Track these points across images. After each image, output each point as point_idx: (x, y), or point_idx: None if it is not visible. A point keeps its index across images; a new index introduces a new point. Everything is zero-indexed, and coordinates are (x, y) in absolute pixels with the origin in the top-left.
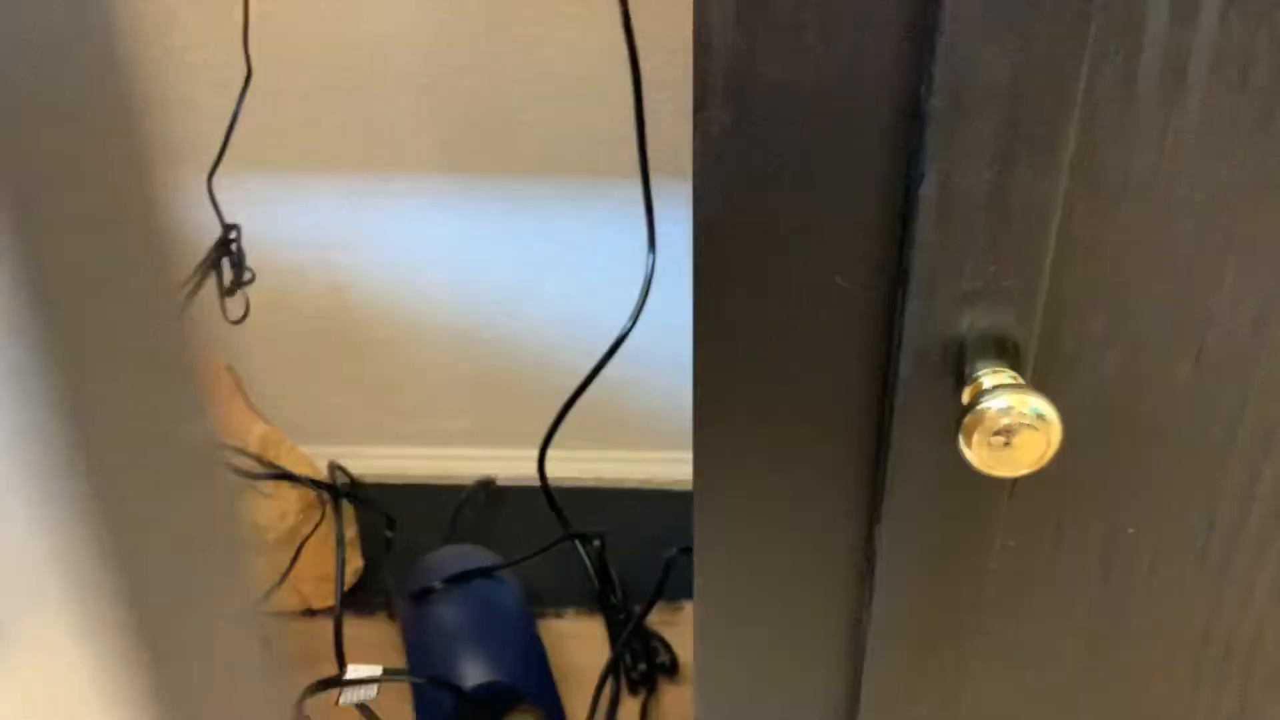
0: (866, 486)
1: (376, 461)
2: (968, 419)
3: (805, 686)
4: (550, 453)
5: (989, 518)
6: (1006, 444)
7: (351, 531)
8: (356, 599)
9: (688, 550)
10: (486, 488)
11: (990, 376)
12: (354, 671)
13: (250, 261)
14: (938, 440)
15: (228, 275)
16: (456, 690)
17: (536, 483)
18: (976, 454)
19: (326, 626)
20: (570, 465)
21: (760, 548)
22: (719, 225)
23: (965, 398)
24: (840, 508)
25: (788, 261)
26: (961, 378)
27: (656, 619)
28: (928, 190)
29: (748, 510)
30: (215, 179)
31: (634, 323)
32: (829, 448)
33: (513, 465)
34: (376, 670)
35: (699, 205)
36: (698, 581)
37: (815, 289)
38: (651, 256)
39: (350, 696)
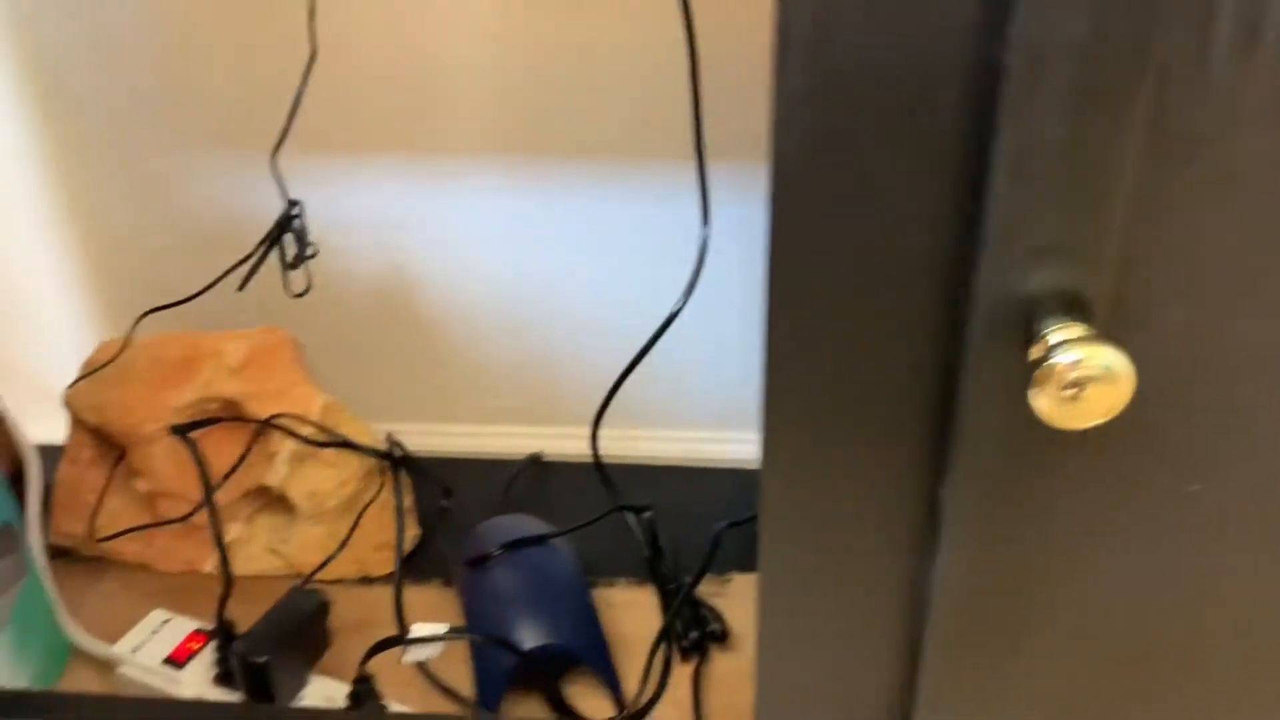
0: (931, 446)
1: (425, 438)
2: (1038, 372)
3: (865, 651)
4: (604, 432)
5: (1057, 475)
6: (1077, 397)
7: (408, 501)
8: (412, 566)
9: (736, 524)
10: (536, 462)
11: (1060, 331)
12: (418, 630)
13: (312, 238)
14: (1007, 396)
15: (291, 250)
16: (517, 651)
17: (584, 459)
18: (1047, 407)
19: (383, 594)
20: (618, 443)
21: (824, 509)
22: (795, 184)
23: (1035, 353)
24: (904, 468)
25: (861, 220)
26: (1031, 334)
27: (705, 590)
28: (1003, 146)
29: (813, 471)
30: (279, 157)
31: (685, 300)
32: (893, 407)
33: (560, 443)
34: (441, 628)
35: (776, 164)
36: (764, 542)
37: (888, 248)
38: (705, 230)
39: (414, 654)
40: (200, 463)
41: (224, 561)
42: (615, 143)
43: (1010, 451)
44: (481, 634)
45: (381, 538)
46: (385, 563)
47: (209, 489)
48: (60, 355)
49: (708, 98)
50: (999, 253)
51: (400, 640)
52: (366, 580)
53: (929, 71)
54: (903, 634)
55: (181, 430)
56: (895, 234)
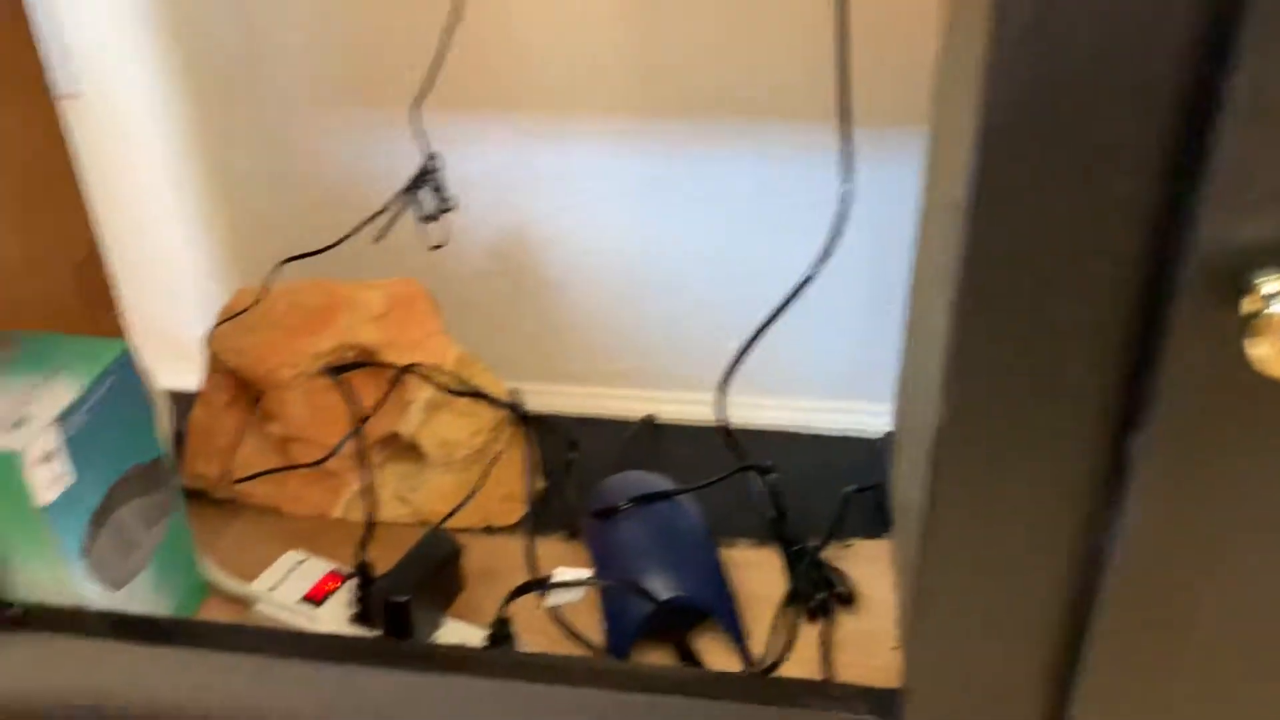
0: (1118, 398)
1: (540, 398)
2: (1258, 321)
3: (1028, 614)
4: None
5: (1262, 429)
6: None
7: (534, 453)
8: (537, 517)
9: (862, 489)
10: (649, 424)
11: (1276, 281)
12: (561, 574)
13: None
14: (1214, 346)
15: (429, 203)
16: (653, 600)
17: (697, 422)
18: (1267, 356)
19: (507, 544)
20: (735, 411)
21: (1002, 464)
22: (1008, 132)
23: (1249, 304)
24: (1089, 421)
25: (1070, 165)
26: (1243, 284)
27: (828, 553)
28: (1238, 85)
29: (994, 421)
30: (422, 110)
31: (821, 264)
32: (1084, 357)
33: (673, 408)
34: (584, 574)
35: (988, 106)
36: (936, 495)
37: (1095, 193)
38: (847, 186)
39: (555, 598)
40: (351, 398)
41: (368, 505)
42: (749, 103)
43: (1214, 404)
44: (613, 585)
45: (506, 489)
46: (509, 513)
47: (358, 425)
48: (188, 307)
49: (855, 60)
50: (1222, 199)
51: (543, 584)
52: (490, 530)
53: (1154, 13)
54: (1069, 598)
55: (336, 370)
56: (1104, 179)
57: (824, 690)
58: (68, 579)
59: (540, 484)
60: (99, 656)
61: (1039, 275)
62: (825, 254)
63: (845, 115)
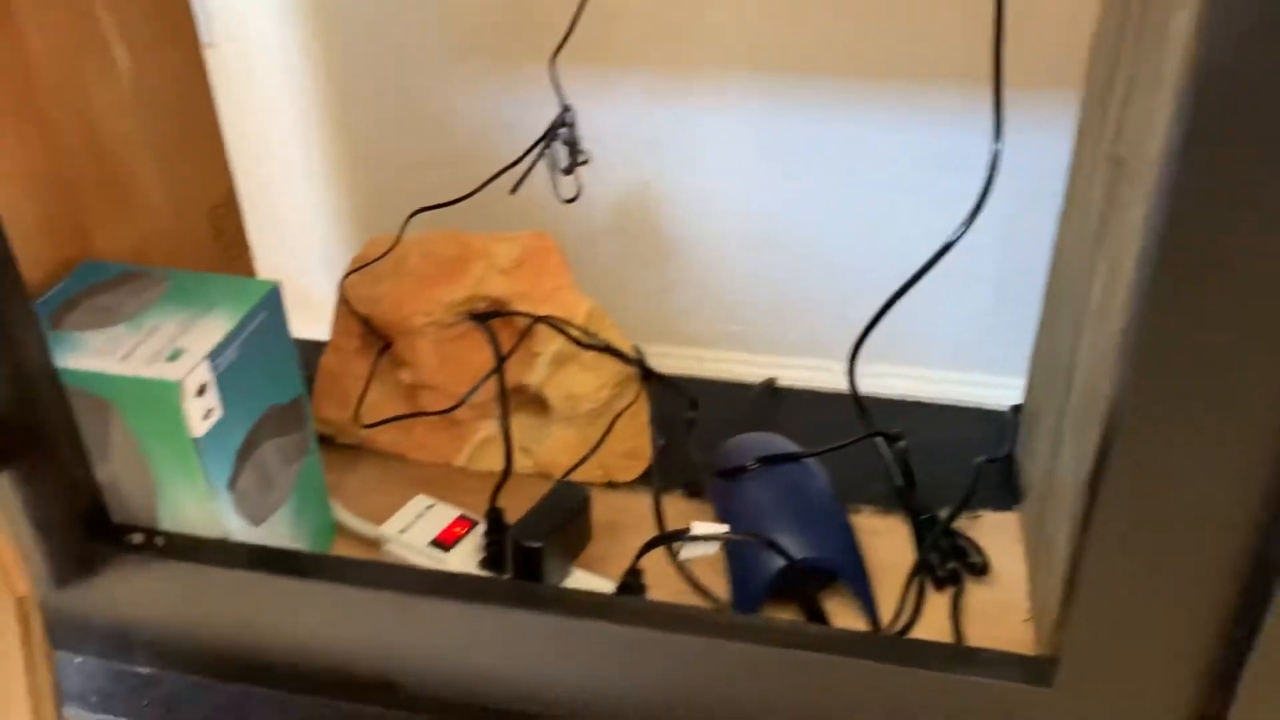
0: None
1: (659, 359)
2: None
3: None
4: (837, 364)
5: None
6: None
7: (656, 411)
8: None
9: (993, 460)
10: (769, 388)
11: None
12: (699, 528)
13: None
14: None
15: (563, 156)
16: (788, 558)
17: (819, 388)
18: None
19: (629, 499)
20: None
21: (1182, 452)
22: (1223, 80)
23: None
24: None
25: None
26: None
27: (957, 524)
28: None
29: (1178, 402)
30: (558, 63)
31: (965, 229)
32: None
33: (793, 372)
34: (720, 529)
35: (1203, 58)
36: (1102, 466)
37: None
38: (998, 145)
39: (691, 551)
40: (496, 344)
41: (507, 453)
42: (886, 64)
43: None
44: (739, 547)
45: (628, 445)
46: (629, 469)
47: (499, 366)
48: (312, 255)
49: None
50: None
51: (679, 536)
52: (611, 485)
53: None
54: (1240, 590)
55: (480, 318)
56: None
57: (973, 656)
58: (215, 511)
59: (660, 441)
60: (243, 588)
61: (1241, 241)
62: (971, 217)
63: (998, 73)
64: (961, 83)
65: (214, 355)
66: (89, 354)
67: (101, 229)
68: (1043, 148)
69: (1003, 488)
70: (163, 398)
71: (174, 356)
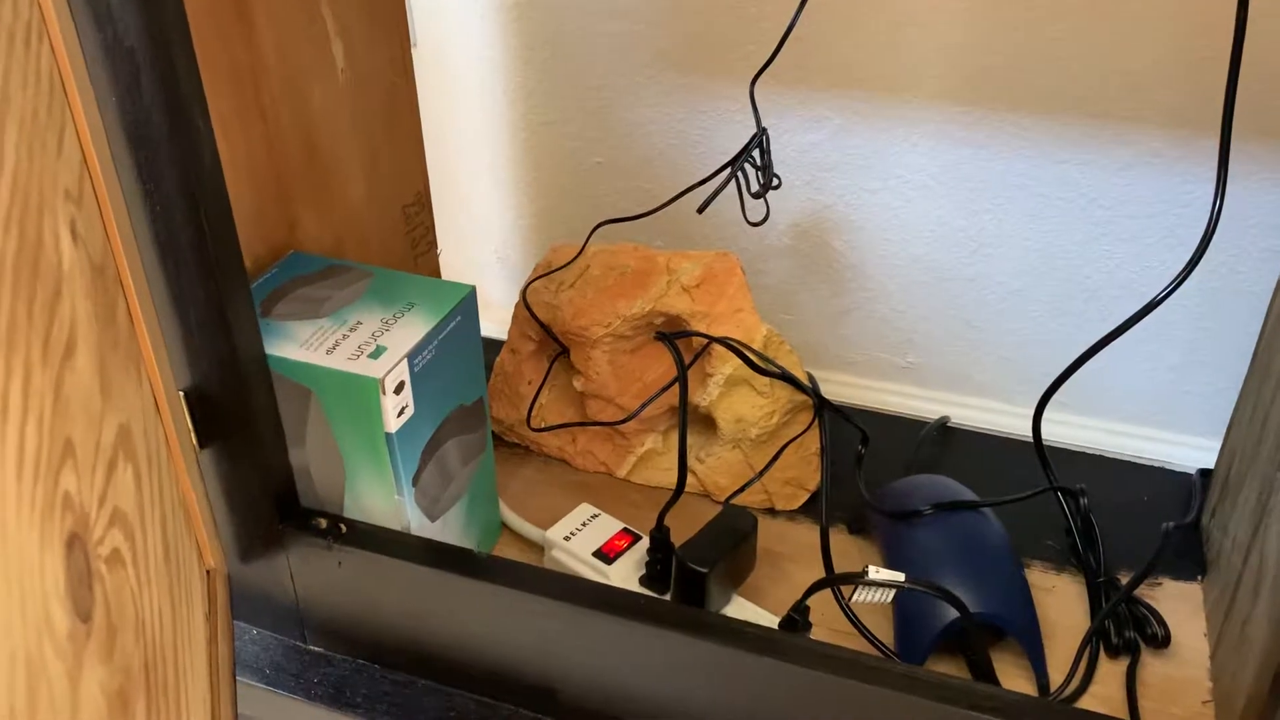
0: None
1: (826, 386)
2: None
3: None
4: (1011, 407)
5: None
6: None
7: (825, 442)
8: (816, 508)
9: (1180, 526)
10: (942, 427)
11: None
12: (875, 574)
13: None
14: None
15: (754, 177)
16: (957, 612)
17: (990, 430)
18: None
19: (787, 528)
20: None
21: None
22: None
23: None
24: None
25: None
26: None
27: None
28: None
29: None
30: (758, 86)
31: (1177, 286)
32: None
33: (963, 412)
34: (898, 576)
35: None
36: None
37: None
38: (1218, 200)
39: (865, 595)
40: (680, 361)
41: (681, 473)
42: (1099, 104)
43: None
44: (924, 589)
45: (792, 473)
46: (793, 498)
47: (681, 381)
48: (490, 259)
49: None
50: None
51: (854, 579)
52: (771, 511)
53: None
54: None
55: (667, 337)
56: None
57: None
58: (398, 504)
59: (828, 474)
60: (418, 581)
61: None
62: (1185, 273)
63: (1227, 120)
64: (1180, 126)
65: (412, 355)
66: (296, 344)
67: (303, 221)
68: (1260, 203)
69: (1185, 556)
70: (362, 392)
71: (376, 354)
